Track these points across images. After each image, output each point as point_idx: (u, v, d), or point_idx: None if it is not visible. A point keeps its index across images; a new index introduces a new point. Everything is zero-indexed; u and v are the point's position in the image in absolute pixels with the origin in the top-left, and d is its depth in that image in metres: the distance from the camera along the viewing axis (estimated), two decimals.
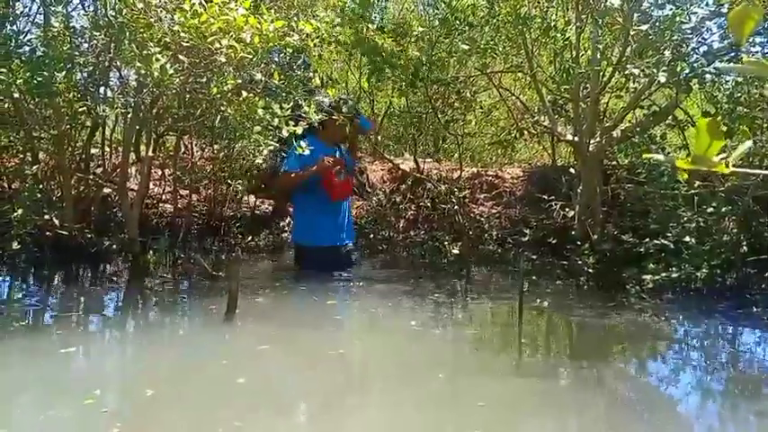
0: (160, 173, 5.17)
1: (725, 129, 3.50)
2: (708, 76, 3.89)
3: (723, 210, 3.89)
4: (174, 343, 3.02)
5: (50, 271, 4.09)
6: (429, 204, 5.58)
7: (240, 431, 2.02)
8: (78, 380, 2.56)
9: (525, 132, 5.97)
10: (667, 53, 3.57)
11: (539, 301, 3.89)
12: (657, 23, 3.69)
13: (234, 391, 2.37)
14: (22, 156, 4.58)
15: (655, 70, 3.51)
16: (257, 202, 5.42)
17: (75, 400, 2.22)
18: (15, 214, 4.06)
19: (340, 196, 4.50)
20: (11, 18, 3.99)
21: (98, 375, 2.64)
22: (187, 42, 3.35)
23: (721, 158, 0.73)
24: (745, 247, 3.85)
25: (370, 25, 5.34)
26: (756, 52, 4.15)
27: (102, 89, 4.37)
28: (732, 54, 3.94)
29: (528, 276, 4.13)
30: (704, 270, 3.81)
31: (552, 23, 4.75)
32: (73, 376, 2.60)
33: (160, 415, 2.15)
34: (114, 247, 4.31)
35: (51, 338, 2.97)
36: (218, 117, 3.90)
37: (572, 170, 5.07)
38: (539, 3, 5.04)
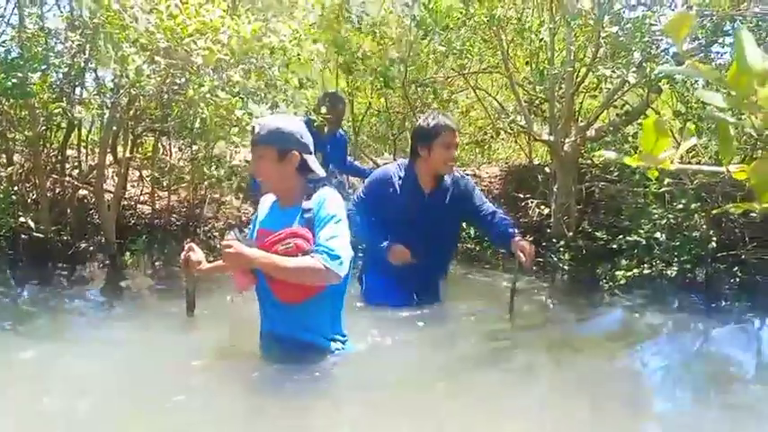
0: (138, 174, 5.14)
1: (693, 127, 3.60)
2: (678, 76, 3.98)
3: (693, 206, 3.98)
4: (133, 345, 2.93)
5: (26, 273, 4.05)
6: None
7: None
8: (30, 382, 2.51)
9: (502, 132, 6.06)
10: (637, 54, 3.65)
11: (515, 298, 3.93)
12: (628, 25, 3.77)
13: (169, 401, 2.30)
14: None
15: (625, 71, 3.59)
16: (241, 204, 5.41)
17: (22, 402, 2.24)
18: None
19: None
20: None
21: (50, 377, 2.59)
22: (163, 44, 3.35)
23: (667, 155, 0.77)
24: (714, 243, 3.94)
25: (347, 26, 5.39)
26: (725, 53, 4.25)
27: (78, 90, 4.34)
28: (701, 54, 4.04)
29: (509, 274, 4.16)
30: (674, 266, 3.90)
31: (527, 25, 4.83)
32: (30, 379, 2.55)
33: (84, 424, 2.15)
34: (91, 249, 4.29)
35: (19, 340, 2.95)
36: (197, 119, 3.88)
37: (548, 169, 5.15)
38: (514, 4, 5.11)
